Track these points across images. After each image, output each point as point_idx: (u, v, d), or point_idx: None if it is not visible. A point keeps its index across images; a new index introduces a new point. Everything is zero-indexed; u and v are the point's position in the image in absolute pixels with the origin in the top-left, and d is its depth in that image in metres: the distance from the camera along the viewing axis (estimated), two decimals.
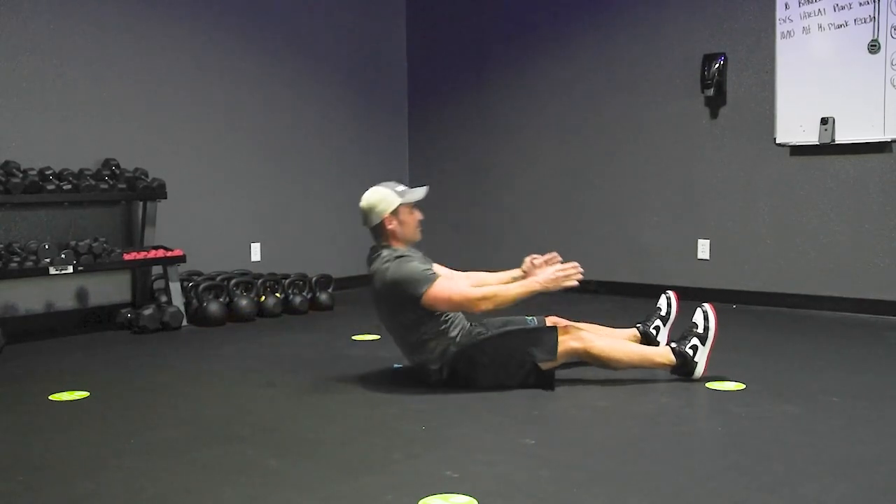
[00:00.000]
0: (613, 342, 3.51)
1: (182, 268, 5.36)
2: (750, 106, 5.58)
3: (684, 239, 5.92)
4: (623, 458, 2.58)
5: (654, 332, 3.75)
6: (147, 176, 5.25)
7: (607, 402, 3.25)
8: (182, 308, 5.10)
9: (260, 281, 5.49)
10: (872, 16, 5.04)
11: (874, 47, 5.03)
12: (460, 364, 3.38)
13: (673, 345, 3.48)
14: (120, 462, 2.62)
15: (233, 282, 5.34)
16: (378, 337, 4.61)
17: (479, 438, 2.81)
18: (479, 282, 3.65)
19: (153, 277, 5.42)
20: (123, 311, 5.07)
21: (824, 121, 5.21)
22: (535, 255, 3.64)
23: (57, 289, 5.13)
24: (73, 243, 4.79)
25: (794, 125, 5.38)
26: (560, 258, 3.58)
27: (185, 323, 5.09)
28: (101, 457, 2.68)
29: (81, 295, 5.27)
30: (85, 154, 5.21)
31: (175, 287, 5.15)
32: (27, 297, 5.02)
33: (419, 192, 3.53)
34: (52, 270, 4.64)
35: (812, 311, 5.33)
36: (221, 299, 5.25)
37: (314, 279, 5.77)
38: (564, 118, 6.49)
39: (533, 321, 3.64)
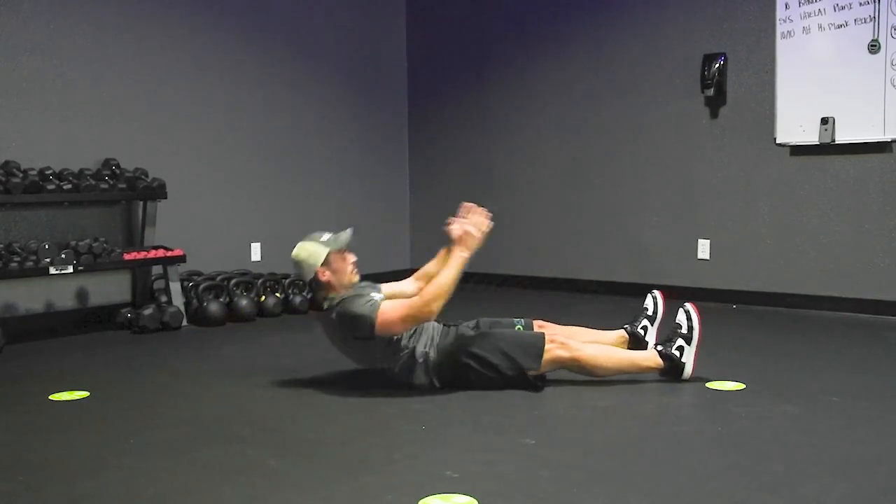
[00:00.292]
0: (600, 349, 3.49)
1: (182, 268, 5.36)
2: (750, 106, 5.58)
3: (684, 239, 5.92)
4: (623, 458, 2.58)
5: (641, 332, 3.73)
6: (147, 176, 5.25)
7: (607, 402, 3.25)
8: (182, 308, 5.10)
9: (260, 281, 5.49)
10: (872, 16, 5.04)
11: (874, 47, 5.03)
12: (448, 371, 3.38)
13: (659, 348, 3.47)
14: (120, 462, 2.62)
15: (233, 282, 5.34)
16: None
17: (479, 438, 2.81)
18: (425, 275, 3.62)
19: (153, 277, 5.42)
20: (123, 311, 5.07)
21: (824, 121, 5.21)
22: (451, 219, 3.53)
23: (57, 289, 5.13)
24: (73, 243, 4.79)
25: (795, 125, 5.38)
26: (472, 204, 3.52)
27: (185, 323, 5.09)
28: (101, 457, 2.68)
29: (81, 295, 5.27)
30: (85, 154, 5.21)
31: (175, 287, 5.15)
32: (27, 297, 5.02)
33: (345, 236, 3.53)
34: (52, 270, 4.64)
35: (812, 311, 5.33)
36: (221, 299, 5.25)
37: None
38: (564, 118, 6.49)
39: (521, 324, 3.62)
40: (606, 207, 6.31)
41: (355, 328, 3.31)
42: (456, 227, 3.40)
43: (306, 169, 6.59)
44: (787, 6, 5.37)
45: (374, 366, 3.43)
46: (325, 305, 3.43)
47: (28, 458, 2.69)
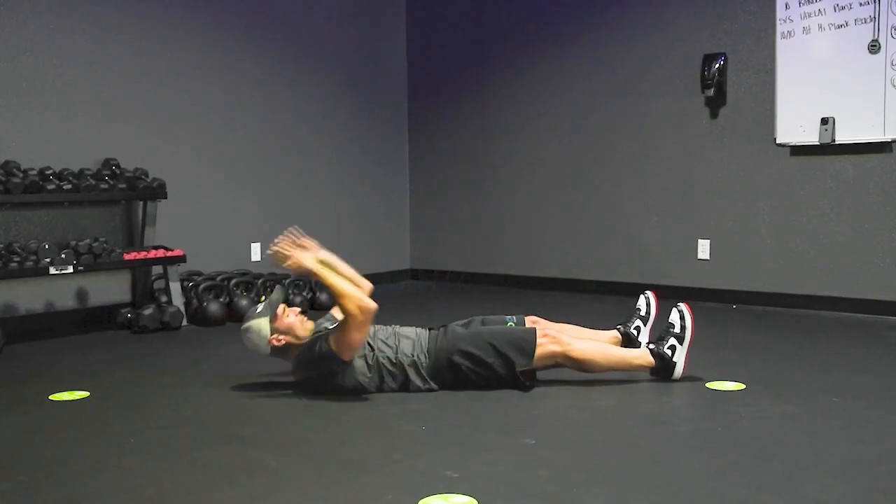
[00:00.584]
0: (592, 345, 3.49)
1: (182, 268, 5.36)
2: (750, 106, 5.58)
3: (684, 239, 5.92)
4: (623, 458, 2.58)
5: (634, 332, 3.72)
6: (147, 176, 5.25)
7: (607, 402, 3.25)
8: (182, 308, 5.10)
9: (260, 281, 5.49)
10: (872, 16, 5.04)
11: (874, 47, 5.03)
12: (443, 372, 3.37)
13: (651, 346, 3.47)
14: (120, 462, 2.62)
15: (233, 282, 5.34)
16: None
17: (479, 438, 2.81)
18: (352, 280, 3.58)
19: (153, 277, 5.42)
20: (123, 311, 5.07)
21: (824, 121, 5.21)
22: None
23: (57, 289, 5.13)
24: (73, 243, 4.80)
25: (795, 125, 5.38)
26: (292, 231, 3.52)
27: (185, 323, 5.09)
28: (101, 457, 2.68)
29: (81, 295, 5.28)
30: (85, 154, 5.21)
31: (175, 287, 5.15)
32: (27, 297, 5.02)
33: (276, 297, 3.49)
34: (52, 270, 4.64)
35: (812, 311, 5.33)
36: (221, 299, 5.25)
37: (314, 279, 5.77)
38: (565, 118, 6.49)
39: (512, 321, 3.61)
40: (606, 207, 6.31)
41: (329, 366, 3.29)
42: (288, 263, 3.42)
43: (306, 169, 6.59)
44: (787, 6, 5.37)
45: (372, 388, 3.38)
46: (294, 367, 3.43)
47: (28, 458, 2.69)
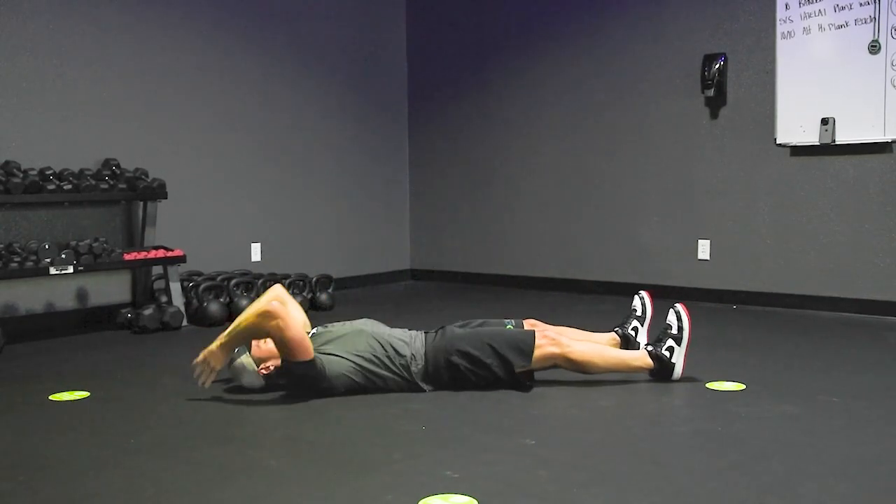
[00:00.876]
0: (591, 347, 3.49)
1: (182, 268, 5.36)
2: (750, 106, 5.58)
3: (684, 239, 5.93)
4: (623, 458, 2.58)
5: (632, 333, 3.72)
6: (147, 176, 5.26)
7: (607, 402, 3.25)
8: (182, 308, 5.10)
9: (260, 281, 5.49)
10: (873, 16, 5.04)
11: (874, 48, 5.03)
12: (440, 373, 3.37)
13: (649, 348, 3.47)
14: (120, 462, 2.62)
15: (233, 282, 5.34)
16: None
17: (479, 438, 2.81)
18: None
19: (153, 277, 5.42)
20: (123, 311, 5.07)
21: (824, 121, 5.21)
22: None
23: (57, 289, 5.13)
24: (73, 243, 4.79)
25: (795, 125, 5.38)
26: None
27: (185, 323, 5.09)
28: (101, 457, 2.68)
29: (81, 295, 5.28)
30: (85, 154, 5.21)
31: (175, 287, 5.15)
32: (27, 297, 5.02)
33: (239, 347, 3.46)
34: (53, 270, 4.64)
35: (812, 311, 5.33)
36: (221, 299, 5.25)
37: (314, 279, 5.78)
38: (565, 118, 6.49)
39: (510, 324, 3.62)
40: (606, 207, 6.31)
41: (306, 377, 3.26)
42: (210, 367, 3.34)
43: (306, 169, 6.59)
44: (787, 6, 5.37)
45: (368, 386, 3.37)
46: (284, 383, 3.42)
47: (28, 458, 2.69)
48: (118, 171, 5.18)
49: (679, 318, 3.43)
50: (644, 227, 6.12)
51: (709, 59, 5.62)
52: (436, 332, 3.49)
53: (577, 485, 2.36)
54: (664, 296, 4.10)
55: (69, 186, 4.84)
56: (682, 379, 3.45)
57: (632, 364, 3.46)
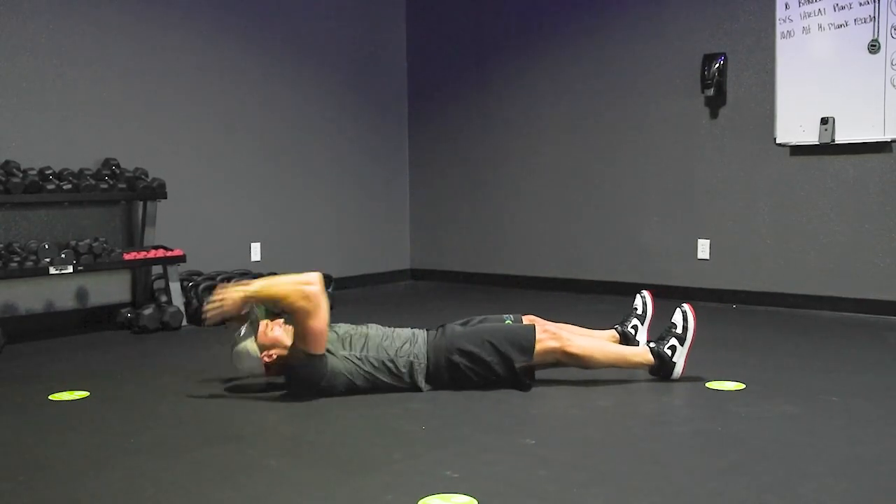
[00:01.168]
0: (591, 341, 3.49)
1: (182, 268, 5.36)
2: (750, 106, 5.58)
3: (684, 239, 5.93)
4: (623, 458, 2.58)
5: (632, 331, 3.73)
6: (147, 176, 5.26)
7: (607, 401, 3.25)
8: (182, 308, 5.10)
9: None
10: (872, 16, 5.04)
11: (874, 47, 5.03)
12: (440, 372, 3.36)
13: (651, 345, 3.46)
14: (120, 462, 2.62)
15: (233, 282, 5.33)
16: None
17: (479, 438, 2.81)
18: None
19: (153, 277, 5.42)
20: (123, 311, 5.07)
21: (824, 121, 5.21)
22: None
23: (57, 289, 5.13)
24: (73, 243, 4.79)
25: (794, 125, 5.38)
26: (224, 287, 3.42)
27: (185, 323, 5.09)
28: (101, 457, 2.68)
29: (81, 295, 5.27)
30: (85, 154, 5.21)
31: (175, 287, 5.15)
32: (27, 297, 5.02)
33: (256, 315, 3.44)
34: (52, 270, 4.64)
35: (812, 311, 5.33)
36: None
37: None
38: (564, 118, 6.49)
39: (509, 319, 3.61)
40: (606, 207, 6.31)
41: (311, 369, 3.25)
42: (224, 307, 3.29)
43: (306, 169, 6.59)
44: (787, 6, 5.37)
45: (367, 386, 3.37)
46: (289, 377, 3.39)
47: (28, 458, 2.69)
48: (118, 171, 5.18)
49: (685, 319, 3.43)
50: (644, 227, 6.12)
51: (709, 59, 5.62)
52: (437, 330, 3.49)
53: (577, 485, 2.36)
54: (664, 296, 4.11)
55: (69, 186, 4.84)
56: (682, 379, 3.45)
57: (632, 360, 3.45)
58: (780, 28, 5.40)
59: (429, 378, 3.37)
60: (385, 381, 3.35)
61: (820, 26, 5.25)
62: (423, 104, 7.34)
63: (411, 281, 7.32)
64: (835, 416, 3.00)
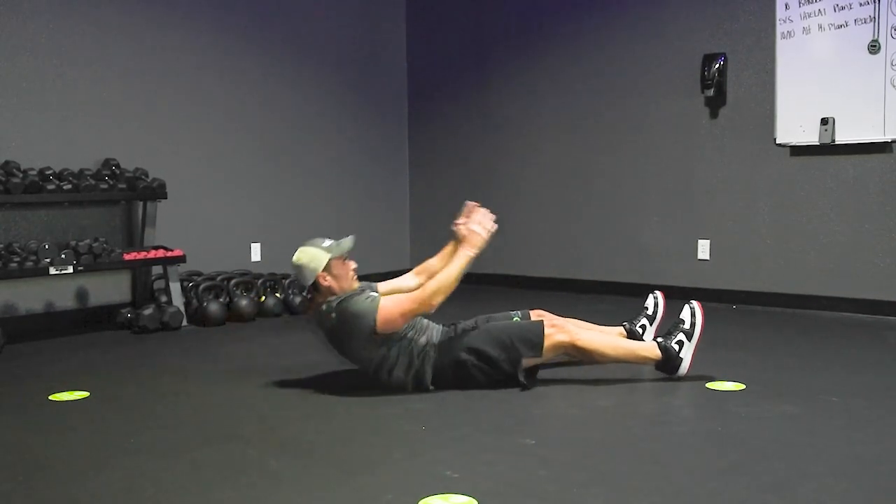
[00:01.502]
0: (599, 335, 3.51)
1: (182, 268, 5.36)
2: (750, 106, 5.58)
3: (684, 239, 5.93)
4: (623, 458, 2.58)
5: (640, 330, 3.74)
6: (147, 176, 5.26)
7: (607, 402, 3.25)
8: (182, 308, 5.10)
9: (260, 281, 5.49)
10: (872, 16, 5.04)
11: (874, 47, 5.03)
12: (447, 367, 3.36)
13: (659, 340, 3.47)
14: (120, 462, 2.62)
15: (233, 282, 5.34)
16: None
17: (479, 438, 2.81)
18: (426, 270, 3.64)
19: (153, 277, 5.42)
20: (123, 311, 5.07)
21: (824, 121, 5.21)
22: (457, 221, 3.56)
23: (57, 289, 5.13)
24: (73, 243, 4.79)
25: (794, 125, 5.38)
26: (475, 204, 3.56)
27: (185, 323, 5.09)
28: (101, 457, 2.68)
29: (81, 295, 5.27)
30: (85, 154, 5.21)
31: (175, 287, 5.15)
32: (27, 297, 5.02)
33: (346, 243, 3.52)
34: (52, 270, 4.64)
35: (812, 311, 5.33)
36: (221, 299, 5.25)
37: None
38: (564, 118, 6.49)
39: (517, 315, 3.62)
40: (606, 207, 6.31)
41: (357, 326, 3.29)
42: (463, 226, 3.45)
43: (306, 169, 6.59)
44: (787, 6, 5.37)
45: (372, 366, 3.39)
46: (324, 308, 3.40)
47: (28, 458, 2.69)
48: (118, 171, 5.18)
49: (693, 315, 3.44)
50: (644, 227, 6.12)
51: (709, 59, 5.62)
52: (448, 326, 3.50)
53: (577, 485, 2.36)
54: (664, 296, 4.09)
55: (69, 186, 4.84)
56: (682, 379, 3.45)
57: (640, 353, 3.46)
58: (780, 28, 5.40)
59: (434, 371, 3.37)
60: (404, 363, 3.35)
61: (820, 26, 5.25)
62: (423, 104, 7.33)
63: None
64: (835, 416, 3.00)
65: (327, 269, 3.40)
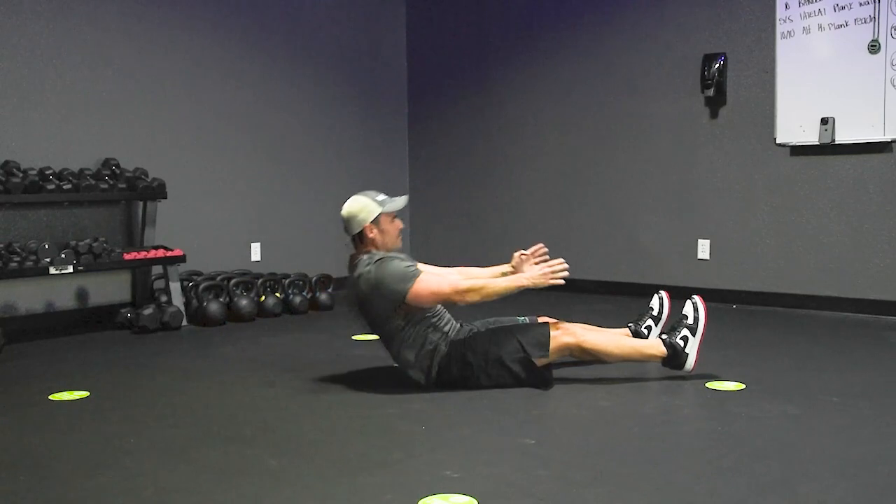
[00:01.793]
0: (605, 335, 3.53)
1: (182, 268, 5.36)
2: (750, 106, 5.58)
3: (684, 239, 5.93)
4: (623, 458, 2.58)
5: (645, 331, 3.76)
6: (147, 176, 5.26)
7: (607, 402, 3.25)
8: (182, 308, 5.10)
9: (260, 281, 5.49)
10: (872, 16, 5.04)
11: (874, 47, 5.03)
12: (453, 364, 3.37)
13: (664, 336, 3.48)
14: (120, 462, 2.62)
15: (233, 282, 5.34)
16: (378, 337, 4.61)
17: (479, 438, 2.81)
18: (468, 276, 3.65)
19: (153, 277, 5.42)
20: (123, 311, 5.07)
21: (824, 121, 5.21)
22: (522, 251, 3.63)
23: (57, 289, 5.13)
24: (73, 243, 4.79)
25: (794, 125, 5.38)
26: (546, 249, 3.58)
27: (185, 323, 5.09)
28: (101, 457, 2.68)
29: (81, 295, 5.28)
30: (85, 154, 5.21)
31: (175, 287, 5.15)
32: (27, 297, 5.02)
33: (400, 202, 3.56)
34: (52, 270, 4.64)
35: (812, 311, 5.33)
36: (221, 299, 5.25)
37: (314, 279, 5.78)
38: (564, 118, 6.49)
39: (524, 319, 3.63)
40: (606, 207, 6.31)
41: (390, 288, 3.29)
42: (529, 259, 3.53)
43: (306, 169, 6.59)
44: (787, 6, 5.37)
45: (384, 334, 3.40)
46: (365, 258, 3.40)
47: (28, 458, 2.69)
48: (118, 171, 5.18)
49: (696, 310, 3.46)
50: (644, 227, 6.12)
51: (709, 59, 5.62)
52: (460, 324, 3.51)
53: (577, 485, 2.36)
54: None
55: (69, 186, 4.84)
56: (682, 379, 3.46)
57: (646, 352, 3.47)
58: (780, 28, 5.40)
59: (441, 364, 3.37)
60: (417, 351, 3.37)
61: (820, 26, 5.25)
62: (423, 104, 7.33)
63: None
64: (835, 416, 3.00)
65: (376, 221, 3.44)
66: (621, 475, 2.44)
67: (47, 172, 4.85)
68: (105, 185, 5.01)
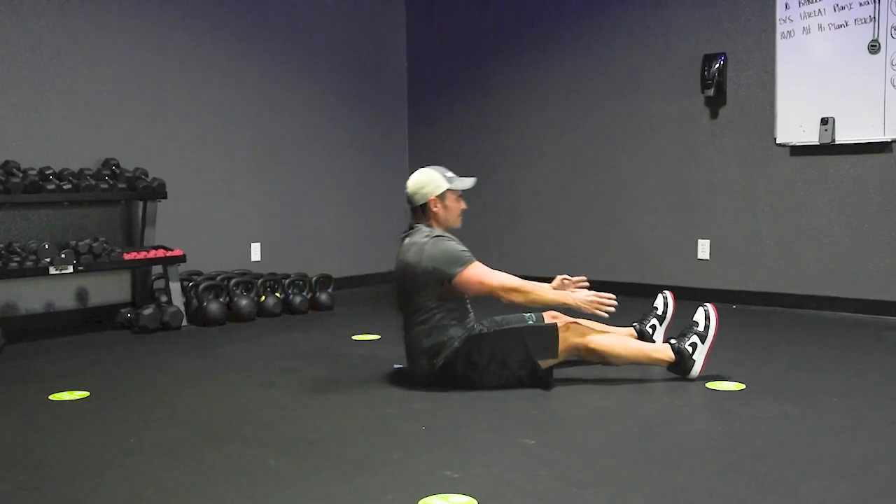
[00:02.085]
0: (613, 337, 3.52)
1: (182, 268, 5.36)
2: (750, 106, 5.58)
3: (684, 239, 5.93)
4: (623, 458, 2.58)
5: (650, 330, 3.77)
6: (147, 176, 5.26)
7: (607, 402, 3.25)
8: (182, 308, 5.10)
9: (260, 281, 5.49)
10: (872, 16, 5.04)
11: (874, 47, 5.03)
12: (458, 361, 3.37)
13: (672, 341, 3.48)
14: (120, 462, 2.62)
15: (233, 282, 5.34)
16: (378, 337, 4.61)
17: (479, 438, 2.81)
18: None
19: (153, 277, 5.42)
20: (123, 310, 5.07)
21: (824, 121, 5.21)
22: (565, 276, 3.63)
23: (57, 289, 5.13)
24: (73, 243, 4.79)
25: (794, 125, 5.38)
26: (588, 284, 3.60)
27: (185, 323, 5.09)
28: (101, 457, 2.68)
29: (81, 295, 5.28)
30: (85, 154, 5.21)
31: (175, 287, 5.15)
32: (27, 297, 5.02)
33: (468, 182, 3.56)
34: (52, 270, 4.64)
35: (812, 311, 5.33)
36: (221, 299, 5.25)
37: (314, 279, 5.78)
38: (565, 118, 6.49)
39: (531, 318, 3.64)
40: (606, 207, 6.31)
41: (441, 265, 3.30)
42: (573, 284, 3.57)
43: (306, 169, 6.59)
44: (787, 6, 5.37)
45: (411, 309, 3.39)
46: (425, 229, 3.42)
47: (28, 458, 2.69)
48: (118, 171, 5.18)
49: (707, 318, 3.46)
50: (644, 227, 6.12)
51: (709, 59, 5.62)
52: (478, 323, 3.51)
53: (577, 485, 2.36)
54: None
55: (69, 186, 4.84)
56: (682, 379, 3.46)
57: (653, 355, 3.47)
58: (780, 28, 5.40)
59: (444, 365, 3.37)
60: (436, 338, 3.37)
61: (820, 26, 5.25)
62: (423, 104, 7.34)
63: None
64: (835, 416, 3.00)
65: (442, 196, 3.45)
66: (621, 475, 2.44)
67: (47, 172, 4.85)
68: (105, 185, 5.01)
